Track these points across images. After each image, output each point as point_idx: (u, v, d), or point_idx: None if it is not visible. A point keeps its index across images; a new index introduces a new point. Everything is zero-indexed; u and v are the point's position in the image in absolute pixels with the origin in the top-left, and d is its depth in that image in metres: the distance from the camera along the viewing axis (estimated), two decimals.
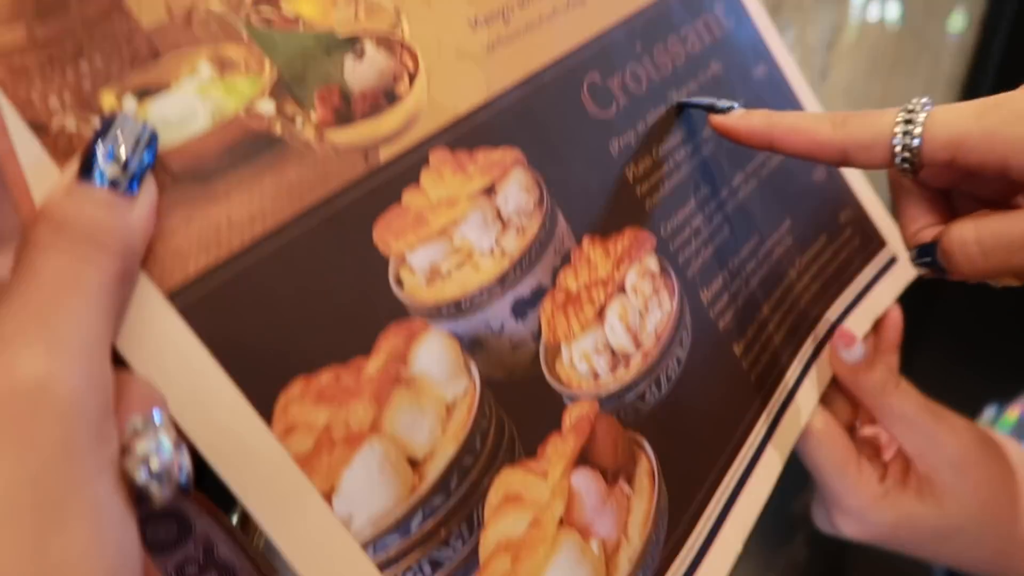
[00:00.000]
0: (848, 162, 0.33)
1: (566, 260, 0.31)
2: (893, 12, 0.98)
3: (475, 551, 0.26)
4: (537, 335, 0.29)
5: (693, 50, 0.39)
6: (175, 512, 0.23)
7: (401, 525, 0.24)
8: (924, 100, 0.31)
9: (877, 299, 0.45)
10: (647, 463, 0.32)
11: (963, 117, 0.30)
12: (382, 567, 0.24)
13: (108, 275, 0.19)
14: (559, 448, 0.29)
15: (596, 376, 0.31)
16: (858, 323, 0.43)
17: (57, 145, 0.21)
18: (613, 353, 0.32)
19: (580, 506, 0.29)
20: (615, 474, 0.30)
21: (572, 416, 0.29)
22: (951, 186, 0.34)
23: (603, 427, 0.30)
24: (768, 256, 0.40)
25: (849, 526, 0.42)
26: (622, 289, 0.33)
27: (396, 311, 0.26)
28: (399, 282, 0.26)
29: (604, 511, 0.29)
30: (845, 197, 0.46)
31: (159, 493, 0.18)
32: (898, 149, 0.31)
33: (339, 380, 0.24)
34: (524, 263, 0.29)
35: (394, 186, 0.27)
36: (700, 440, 0.34)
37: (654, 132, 0.36)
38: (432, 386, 0.26)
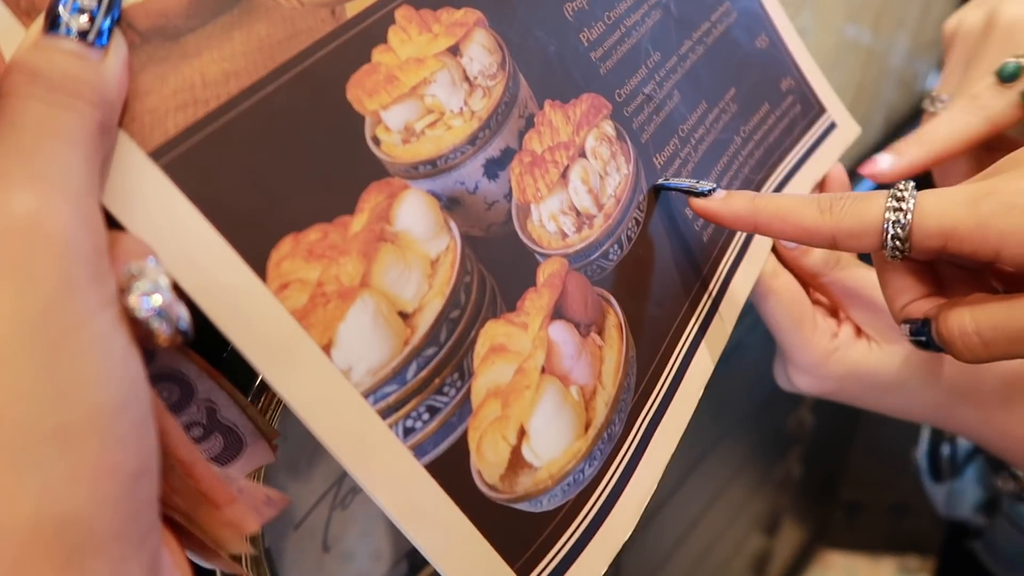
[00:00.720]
0: (837, 248, 0.32)
1: (530, 124, 0.31)
2: None
3: (467, 397, 0.27)
4: (508, 195, 0.30)
5: None
6: (176, 375, 0.23)
7: (398, 375, 0.25)
8: (912, 184, 0.30)
9: (818, 163, 0.46)
10: (615, 316, 0.33)
11: (954, 205, 0.29)
12: (383, 414, 0.24)
13: (88, 122, 0.18)
14: (536, 302, 0.30)
15: (564, 236, 0.31)
16: (801, 186, 0.45)
17: (19, 5, 0.20)
18: (578, 214, 0.32)
19: (558, 355, 0.30)
20: (587, 326, 0.31)
21: (545, 272, 0.30)
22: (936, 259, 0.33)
23: (573, 283, 0.31)
24: (715, 122, 0.41)
25: (803, 380, 0.44)
26: (583, 153, 0.33)
27: (376, 170, 0.26)
28: (376, 140, 0.26)
29: (580, 360, 0.31)
30: (787, 66, 0.47)
31: (161, 329, 0.18)
32: (889, 238, 0.30)
33: (327, 237, 0.24)
34: (492, 124, 0.29)
35: (363, 43, 0.26)
36: (661, 296, 0.36)
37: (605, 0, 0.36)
38: (416, 243, 0.26)
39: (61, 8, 0.19)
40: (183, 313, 0.19)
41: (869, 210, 0.31)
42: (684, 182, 0.36)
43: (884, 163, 0.38)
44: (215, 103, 0.22)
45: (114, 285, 0.18)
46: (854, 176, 0.48)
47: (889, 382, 0.43)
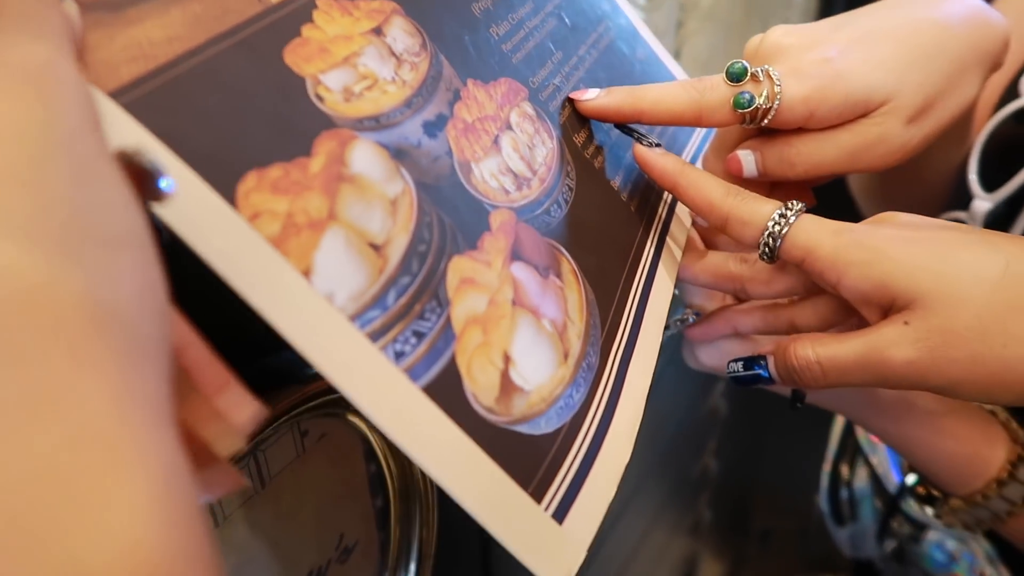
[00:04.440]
0: (725, 229, 0.36)
1: (457, 97, 0.32)
2: None
3: (448, 324, 0.26)
4: (449, 153, 0.30)
5: None
6: None
7: (378, 300, 0.24)
8: (801, 206, 0.35)
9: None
10: (568, 263, 0.33)
11: (821, 232, 0.34)
12: (372, 338, 0.24)
13: (65, 25, 0.18)
14: (494, 244, 0.30)
15: (507, 192, 0.32)
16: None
17: None
18: (515, 175, 0.33)
19: (525, 291, 0.30)
20: (545, 269, 0.31)
21: (497, 220, 0.30)
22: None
23: (524, 231, 0.32)
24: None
25: (708, 357, 0.45)
26: (509, 126, 0.34)
27: (324, 121, 0.26)
28: (319, 98, 0.26)
29: (545, 297, 0.30)
30: (665, 74, 0.51)
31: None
32: (765, 236, 0.35)
33: (288, 175, 0.24)
34: (424, 92, 0.30)
35: (291, 22, 0.27)
36: (604, 250, 0.36)
37: (507, 2, 0.38)
38: (372, 184, 0.26)
39: None
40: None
41: (760, 209, 0.35)
42: (639, 128, 0.39)
43: (591, 94, 0.39)
44: (164, 59, 0.22)
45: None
46: None
47: None
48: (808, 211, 0.35)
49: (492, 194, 0.31)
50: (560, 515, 0.27)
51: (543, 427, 0.28)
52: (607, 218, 0.38)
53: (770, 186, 0.43)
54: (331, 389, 0.33)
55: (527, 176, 0.34)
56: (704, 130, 0.50)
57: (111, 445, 0.12)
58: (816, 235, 0.33)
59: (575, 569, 0.26)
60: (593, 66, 0.43)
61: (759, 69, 0.37)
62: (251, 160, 0.23)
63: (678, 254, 0.41)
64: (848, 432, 0.65)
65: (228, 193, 0.22)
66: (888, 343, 0.31)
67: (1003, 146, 0.47)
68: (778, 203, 0.35)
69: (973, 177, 0.48)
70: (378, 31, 0.30)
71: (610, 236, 0.37)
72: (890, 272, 0.31)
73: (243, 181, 0.22)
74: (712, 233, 0.45)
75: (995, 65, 0.42)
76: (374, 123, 0.27)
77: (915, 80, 0.38)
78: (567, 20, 0.43)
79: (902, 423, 0.41)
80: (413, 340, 0.25)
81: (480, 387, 0.26)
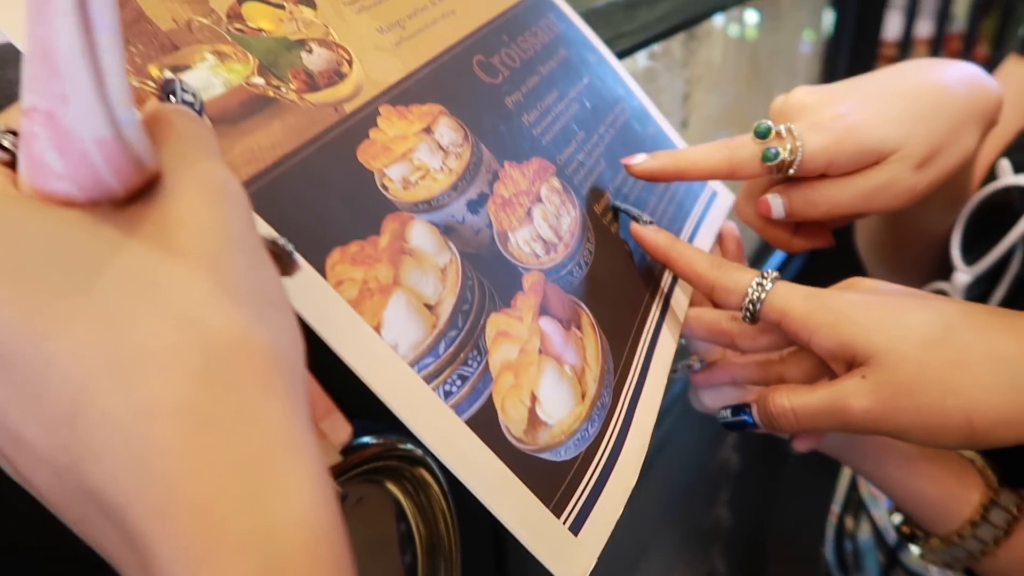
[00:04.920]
0: (712, 296, 0.42)
1: (496, 177, 0.38)
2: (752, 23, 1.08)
3: (487, 369, 0.32)
4: (490, 225, 0.36)
5: (544, 40, 0.49)
6: None
7: (432, 350, 0.30)
8: (775, 275, 0.41)
9: (712, 222, 0.54)
10: (587, 317, 0.39)
11: (795, 296, 0.39)
12: (427, 380, 0.29)
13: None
14: (525, 302, 0.35)
15: (537, 256, 0.38)
16: (704, 237, 0.53)
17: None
18: (545, 242, 0.39)
19: (550, 341, 0.35)
20: (568, 322, 0.37)
21: (528, 281, 0.36)
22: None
23: (551, 290, 0.38)
24: (635, 184, 0.49)
25: (710, 400, 0.51)
26: (539, 199, 0.40)
27: (388, 206, 0.32)
28: (384, 187, 0.32)
29: (567, 346, 0.36)
30: (669, 146, 0.57)
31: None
32: (746, 302, 0.40)
33: (363, 250, 0.30)
34: (467, 176, 0.37)
35: (361, 127, 0.33)
36: (618, 305, 0.42)
37: (536, 93, 0.45)
38: (427, 256, 0.32)
39: (177, 91, 0.25)
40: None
41: (741, 278, 0.41)
42: (633, 209, 0.45)
43: (639, 159, 0.45)
44: (269, 161, 0.29)
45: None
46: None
47: None
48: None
49: (525, 258, 0.37)
50: (576, 528, 0.32)
51: (563, 455, 0.33)
52: (621, 277, 0.44)
53: (794, 227, 0.49)
54: (370, 459, 0.40)
55: (554, 242, 0.40)
56: (707, 197, 0.56)
57: (288, 444, 0.18)
58: (790, 300, 0.39)
59: (587, 572, 0.32)
60: (611, 143, 0.49)
61: (782, 127, 0.43)
62: (335, 239, 0.29)
63: (681, 312, 0.47)
64: (852, 486, 0.69)
65: (319, 265, 0.28)
66: (848, 394, 0.36)
67: (983, 223, 0.52)
68: (756, 272, 0.41)
69: (956, 252, 0.53)
70: (428, 130, 0.36)
71: (623, 293, 0.43)
72: (851, 332, 0.37)
73: (330, 256, 0.29)
74: None
75: (990, 122, 0.47)
76: (427, 206, 0.34)
77: (921, 132, 0.43)
78: (588, 104, 0.49)
79: (883, 465, 0.46)
80: (459, 382, 0.31)
81: (512, 421, 0.32)
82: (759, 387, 0.46)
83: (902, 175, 0.43)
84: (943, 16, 1.60)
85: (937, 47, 1.63)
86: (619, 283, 0.43)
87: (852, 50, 1.52)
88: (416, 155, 0.35)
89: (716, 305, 0.50)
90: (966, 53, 1.61)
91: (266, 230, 0.26)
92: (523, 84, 0.45)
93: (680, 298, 0.48)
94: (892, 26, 1.61)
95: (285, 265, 0.24)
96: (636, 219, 0.45)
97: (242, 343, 0.19)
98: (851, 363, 0.37)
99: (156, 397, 0.18)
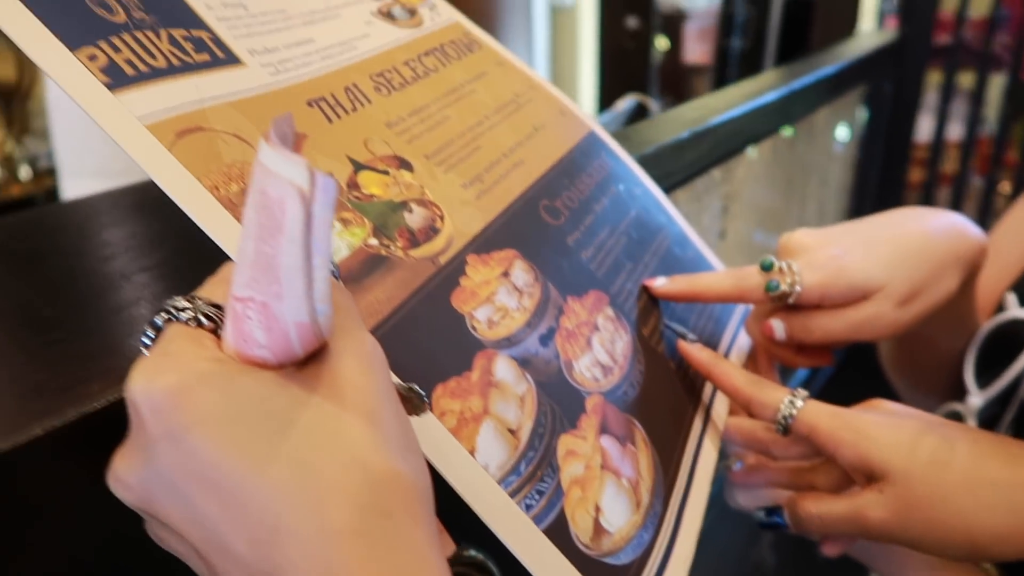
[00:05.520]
0: (748, 409, 0.49)
1: (561, 311, 0.45)
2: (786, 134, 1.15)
3: (559, 484, 0.37)
4: (557, 356, 0.42)
5: (598, 179, 0.56)
6: None
7: (515, 469, 0.36)
8: (805, 393, 0.47)
9: (745, 338, 0.60)
10: (640, 433, 0.44)
11: (822, 413, 0.45)
12: (511, 495, 0.35)
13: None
14: (588, 422, 0.41)
15: (597, 380, 0.44)
16: (738, 355, 0.59)
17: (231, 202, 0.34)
18: (603, 366, 0.45)
19: (610, 457, 0.41)
20: (623, 439, 0.43)
21: (590, 403, 0.42)
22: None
23: (609, 410, 0.43)
24: (675, 307, 0.55)
25: (744, 499, 0.55)
26: (597, 328, 0.46)
27: (477, 344, 0.38)
28: (474, 328, 0.39)
29: (624, 461, 0.42)
30: (707, 267, 0.63)
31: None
32: (779, 416, 0.46)
33: (460, 384, 0.36)
34: (538, 313, 0.43)
35: (453, 276, 0.40)
36: (666, 420, 0.47)
37: (591, 230, 0.51)
38: (509, 386, 0.38)
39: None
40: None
41: (774, 396, 0.47)
42: (681, 328, 0.52)
43: (660, 281, 0.53)
44: (385, 312, 0.36)
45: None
46: None
47: None
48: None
49: (587, 383, 0.43)
50: None
51: (622, 559, 0.39)
52: (667, 393, 0.49)
53: (797, 347, 0.55)
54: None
55: (611, 366, 0.46)
56: (741, 314, 0.62)
57: (431, 563, 0.24)
58: (817, 417, 0.45)
59: None
60: (655, 269, 0.56)
61: (783, 263, 0.50)
62: (437, 376, 0.36)
63: (720, 421, 0.52)
64: None
65: (427, 400, 0.34)
66: (866, 505, 0.41)
67: (994, 350, 0.57)
68: (787, 390, 0.47)
69: (969, 377, 0.58)
70: (506, 273, 0.43)
71: (670, 408, 0.49)
72: (869, 450, 0.42)
73: (435, 391, 0.35)
74: None
75: (973, 266, 0.53)
76: (507, 342, 0.40)
77: (903, 274, 0.50)
78: (634, 235, 0.56)
79: (906, 571, 0.50)
80: (536, 496, 0.36)
81: (581, 530, 0.37)
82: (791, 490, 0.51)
83: (886, 310, 0.49)
84: (974, 119, 1.67)
85: (968, 150, 1.69)
86: (666, 399, 0.49)
87: (885, 154, 1.58)
88: (497, 297, 0.42)
89: (751, 416, 0.55)
90: (997, 156, 1.67)
91: (397, 379, 0.33)
92: (581, 223, 0.51)
93: (720, 408, 0.53)
94: (924, 128, 1.68)
95: (416, 407, 0.30)
96: (683, 337, 0.51)
97: (396, 482, 0.25)
98: (870, 477, 0.42)
99: (336, 522, 0.24)
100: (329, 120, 0.40)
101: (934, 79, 1.68)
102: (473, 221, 0.44)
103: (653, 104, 1.82)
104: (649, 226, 0.58)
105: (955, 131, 1.76)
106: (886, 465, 0.41)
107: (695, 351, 0.51)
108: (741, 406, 0.49)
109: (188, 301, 0.27)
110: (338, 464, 0.25)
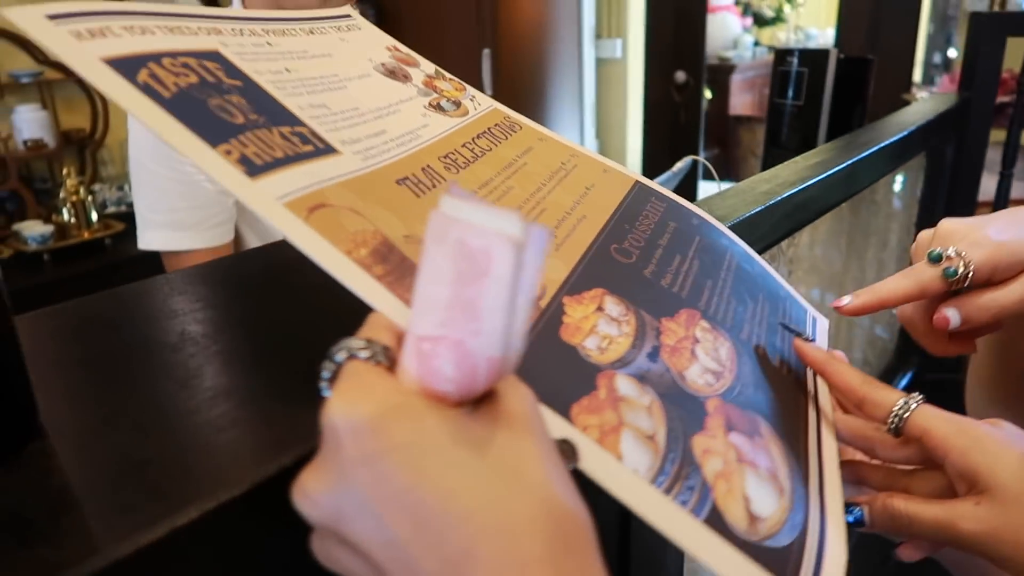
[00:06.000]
0: (860, 409, 0.50)
1: (658, 332, 0.47)
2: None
3: (705, 481, 0.39)
4: (668, 369, 0.45)
5: (655, 220, 0.60)
6: None
7: (662, 470, 0.38)
8: (920, 397, 0.49)
9: (819, 344, 0.62)
10: (764, 425, 0.46)
11: (938, 417, 0.47)
12: (665, 492, 0.37)
13: None
14: (714, 422, 0.43)
15: (711, 384, 0.46)
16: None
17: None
18: (712, 372, 0.47)
19: (743, 451, 0.43)
20: (750, 433, 0.44)
21: (711, 406, 0.44)
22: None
23: (730, 410, 0.45)
24: (762, 311, 0.58)
25: None
26: (697, 340, 0.49)
27: (596, 368, 0.41)
28: (587, 356, 0.42)
29: (758, 452, 0.43)
30: (771, 278, 0.66)
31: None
32: (893, 416, 0.47)
33: (591, 402, 0.39)
34: (639, 336, 0.46)
35: (556, 316, 0.43)
36: (784, 411, 0.49)
37: (664, 261, 0.55)
38: (634, 400, 0.41)
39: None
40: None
41: (889, 396, 0.48)
42: (796, 326, 0.55)
43: (845, 300, 0.55)
44: None
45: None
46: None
47: None
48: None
49: (702, 389, 0.45)
50: None
51: (782, 541, 0.39)
52: (779, 390, 0.51)
53: (949, 335, 0.56)
54: None
55: (720, 370, 0.48)
56: (811, 323, 0.64)
57: None
58: (932, 419, 0.46)
59: None
60: (733, 283, 0.58)
61: (949, 251, 0.53)
62: (569, 398, 0.38)
63: (829, 415, 0.53)
64: None
65: (567, 419, 0.37)
66: (960, 515, 0.42)
67: None
68: (901, 393, 0.48)
69: None
70: (600, 308, 0.46)
71: (784, 402, 0.50)
72: (978, 461, 0.43)
73: (571, 410, 0.37)
74: None
75: None
76: (621, 363, 0.43)
77: None
78: (705, 259, 0.59)
79: None
80: (688, 492, 0.38)
81: (735, 519, 0.39)
82: (874, 491, 0.51)
83: None
84: None
85: None
86: (779, 394, 0.50)
87: (947, 214, 1.59)
88: (599, 328, 0.44)
89: (861, 415, 0.56)
90: None
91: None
92: (652, 257, 0.55)
93: (826, 405, 0.54)
94: (987, 187, 1.67)
95: (570, 458, 0.33)
96: (799, 335, 0.54)
97: (574, 515, 0.28)
98: (972, 486, 0.43)
99: (528, 551, 0.26)
100: (416, 195, 0.45)
101: (993, 137, 1.67)
102: (559, 270, 0.48)
103: (703, 157, 1.86)
104: (715, 249, 0.61)
105: (1018, 189, 1.74)
106: (992, 479, 0.42)
107: (810, 349, 0.53)
108: (853, 404, 0.50)
109: (366, 341, 0.30)
110: (526, 498, 0.27)
